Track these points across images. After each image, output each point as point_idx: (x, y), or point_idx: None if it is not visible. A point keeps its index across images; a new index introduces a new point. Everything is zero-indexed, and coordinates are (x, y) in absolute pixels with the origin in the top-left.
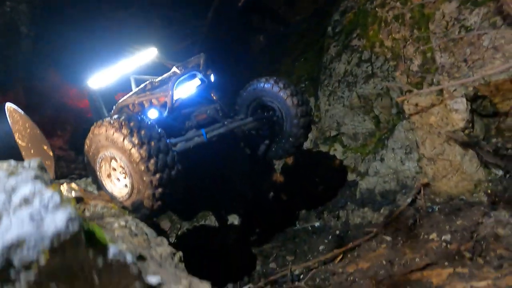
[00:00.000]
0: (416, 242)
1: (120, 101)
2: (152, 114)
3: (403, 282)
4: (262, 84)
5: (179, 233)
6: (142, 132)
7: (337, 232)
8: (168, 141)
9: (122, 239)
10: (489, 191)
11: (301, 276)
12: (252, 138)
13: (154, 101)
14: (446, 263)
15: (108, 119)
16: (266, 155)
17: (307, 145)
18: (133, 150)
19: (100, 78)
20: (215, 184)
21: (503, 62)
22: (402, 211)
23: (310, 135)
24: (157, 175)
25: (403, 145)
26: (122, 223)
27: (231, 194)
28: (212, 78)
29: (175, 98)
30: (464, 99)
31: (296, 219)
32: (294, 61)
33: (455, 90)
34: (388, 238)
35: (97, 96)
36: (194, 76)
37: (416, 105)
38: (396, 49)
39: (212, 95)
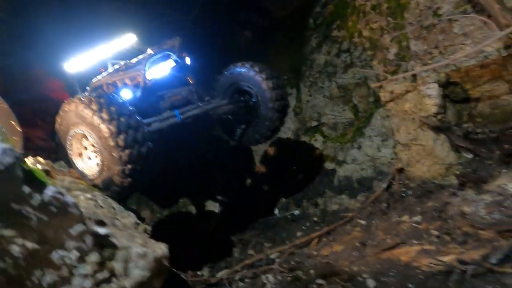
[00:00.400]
0: (388, 224)
1: (93, 81)
2: (125, 94)
3: (374, 261)
4: (238, 69)
5: (158, 220)
6: (112, 108)
7: (315, 219)
8: (139, 119)
9: (86, 210)
10: (458, 173)
11: (276, 260)
12: (228, 122)
13: (127, 80)
14: (414, 242)
15: (78, 96)
16: (242, 139)
17: (288, 135)
18: (103, 126)
19: (77, 62)
20: (193, 170)
21: (472, 48)
22: (378, 196)
23: (291, 126)
24: (127, 151)
25: (380, 132)
26: (89, 196)
27: (211, 181)
28: (188, 61)
29: (148, 77)
30: (436, 85)
31: (276, 208)
32: (278, 54)
33: (427, 76)
34: (363, 222)
35: (74, 79)
36: (168, 57)
37: (392, 92)
38: (373, 38)
39: (188, 78)
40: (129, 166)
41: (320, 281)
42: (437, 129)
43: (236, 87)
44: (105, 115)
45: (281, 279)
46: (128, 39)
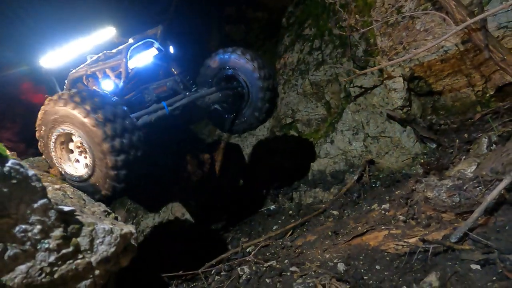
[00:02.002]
0: (359, 213)
1: (71, 73)
2: (107, 85)
3: (345, 248)
4: (228, 55)
5: (134, 221)
6: (107, 109)
7: (290, 212)
8: (133, 119)
9: (54, 199)
10: (423, 162)
11: (252, 252)
12: (217, 111)
13: (107, 71)
14: (383, 227)
15: (66, 92)
16: (230, 129)
17: (264, 133)
18: (96, 128)
19: (54, 57)
20: (168, 165)
21: (432, 42)
22: (349, 187)
23: (266, 124)
24: (122, 156)
25: (351, 126)
26: (57, 187)
27: (183, 177)
28: (172, 49)
29: (130, 66)
30: (401, 79)
31: (253, 204)
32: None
33: (393, 71)
34: (335, 212)
35: (51, 75)
36: (151, 45)
37: (361, 87)
38: (343, 36)
39: (172, 68)
40: (124, 172)
41: (293, 268)
42: (403, 122)
43: (224, 73)
44: (100, 117)
45: (256, 270)
46: (107, 33)
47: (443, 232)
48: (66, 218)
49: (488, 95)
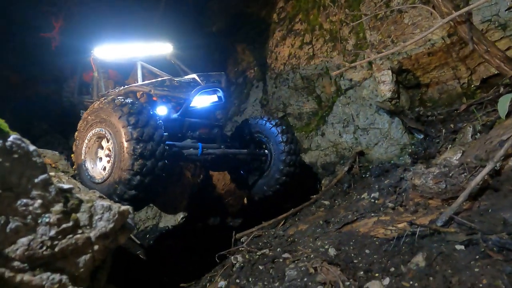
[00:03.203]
0: (350, 203)
1: (130, 86)
2: (161, 110)
3: (336, 235)
4: (257, 120)
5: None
6: (141, 116)
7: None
8: (164, 134)
9: None
10: (411, 151)
11: (245, 242)
12: (239, 170)
13: (171, 99)
14: (372, 214)
15: (120, 99)
16: (252, 190)
17: None
18: (125, 129)
19: (107, 50)
20: None
21: (419, 35)
22: (340, 178)
23: None
24: (140, 160)
25: (341, 119)
26: (52, 174)
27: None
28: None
29: (191, 105)
30: (390, 71)
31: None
32: (244, 49)
33: (382, 64)
34: (326, 202)
35: (99, 66)
36: (214, 92)
37: (351, 80)
38: (333, 31)
39: (220, 116)
40: (138, 178)
41: (286, 255)
42: (392, 113)
43: (254, 137)
44: (132, 119)
45: (249, 258)
46: (162, 47)
47: (430, 217)
48: (66, 195)
49: (473, 86)
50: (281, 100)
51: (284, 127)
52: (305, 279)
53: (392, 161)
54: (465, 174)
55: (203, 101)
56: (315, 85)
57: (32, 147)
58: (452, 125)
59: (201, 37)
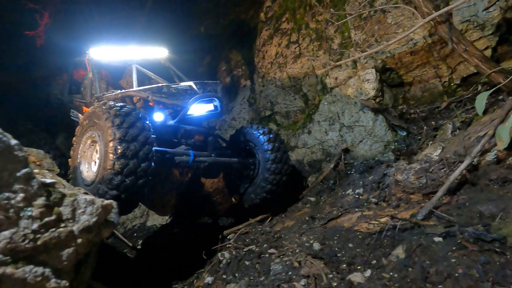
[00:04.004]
0: (335, 199)
1: (127, 90)
2: (158, 117)
3: (321, 230)
4: (248, 129)
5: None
6: (127, 117)
7: None
8: (151, 137)
9: None
10: (394, 148)
11: (232, 239)
12: (231, 177)
13: (168, 106)
14: (356, 210)
15: (110, 103)
16: (242, 197)
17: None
18: (110, 129)
19: (103, 51)
20: None
21: (401, 35)
22: (326, 175)
23: (246, 116)
24: (122, 160)
25: (327, 117)
26: (36, 171)
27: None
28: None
29: (188, 113)
30: (373, 70)
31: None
32: (232, 48)
33: (366, 62)
34: (312, 199)
35: (94, 67)
36: (211, 101)
37: (336, 78)
38: (319, 30)
39: (215, 125)
40: (119, 178)
41: (272, 250)
42: (376, 111)
43: (245, 146)
44: (117, 120)
45: (236, 254)
46: (158, 51)
47: (411, 211)
48: (48, 189)
49: (453, 85)
50: (268, 98)
51: (271, 136)
52: (290, 272)
53: (376, 158)
54: (444, 169)
55: (199, 109)
56: (301, 83)
57: (13, 141)
58: (433, 122)
59: (189, 38)
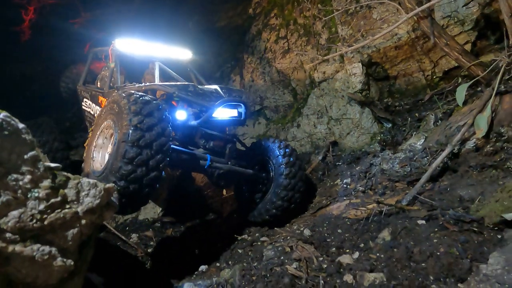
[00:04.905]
0: (324, 189)
1: (152, 84)
2: (180, 115)
3: (311, 219)
4: (264, 142)
5: None
6: (147, 105)
7: None
8: (168, 129)
9: None
10: (380, 139)
11: (226, 230)
12: (243, 188)
13: (192, 106)
14: (344, 198)
15: (130, 91)
16: (252, 212)
17: None
18: (126, 116)
19: (129, 44)
20: None
21: (385, 29)
22: (315, 167)
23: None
24: (134, 149)
25: (315, 111)
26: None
27: None
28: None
29: (212, 116)
30: (360, 64)
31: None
32: (222, 44)
33: (353, 57)
34: None
35: (117, 58)
36: (236, 107)
37: (324, 73)
38: (307, 25)
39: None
40: (130, 167)
41: (264, 238)
42: (363, 104)
43: (260, 159)
44: (133, 107)
45: (228, 242)
46: (182, 52)
47: (396, 198)
48: (53, 172)
49: (436, 78)
50: (258, 93)
51: (287, 150)
52: (282, 257)
53: (363, 149)
54: (427, 157)
55: (224, 113)
56: (290, 78)
57: (21, 125)
58: (417, 114)
59: (178, 34)
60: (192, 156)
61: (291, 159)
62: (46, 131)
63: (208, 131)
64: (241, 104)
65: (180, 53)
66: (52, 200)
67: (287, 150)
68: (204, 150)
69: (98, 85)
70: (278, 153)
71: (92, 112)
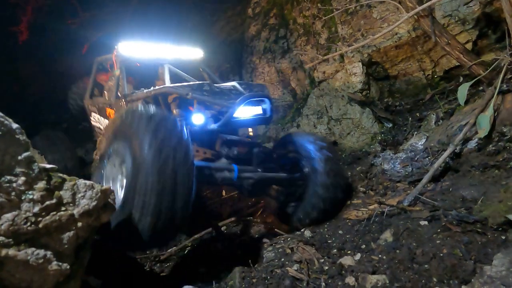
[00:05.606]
0: None
1: (162, 86)
2: (198, 119)
3: None
4: (294, 137)
5: None
6: (165, 127)
7: None
8: (191, 146)
9: None
10: (380, 139)
11: (225, 230)
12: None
13: (209, 107)
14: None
15: (144, 106)
16: (292, 219)
17: None
18: (140, 138)
19: (133, 47)
20: None
21: (386, 29)
22: None
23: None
24: (157, 178)
25: (315, 111)
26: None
27: None
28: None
29: (234, 116)
30: (360, 64)
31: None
32: (221, 43)
33: (353, 56)
34: None
35: (122, 64)
36: (259, 103)
37: (324, 72)
38: (307, 25)
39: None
40: (154, 200)
41: (264, 239)
42: (363, 104)
43: (293, 158)
44: (148, 127)
45: (228, 245)
46: (192, 52)
47: (398, 198)
48: (48, 173)
49: (437, 77)
50: None
51: (323, 144)
52: (282, 259)
53: (363, 149)
54: (429, 157)
55: (246, 112)
56: (290, 78)
57: (15, 125)
58: (417, 114)
59: (178, 33)
60: (216, 169)
61: (328, 153)
62: (61, 148)
63: (229, 137)
64: (265, 100)
65: (190, 52)
66: (47, 202)
67: (321, 143)
68: (227, 160)
69: (106, 97)
70: (312, 148)
71: (102, 127)
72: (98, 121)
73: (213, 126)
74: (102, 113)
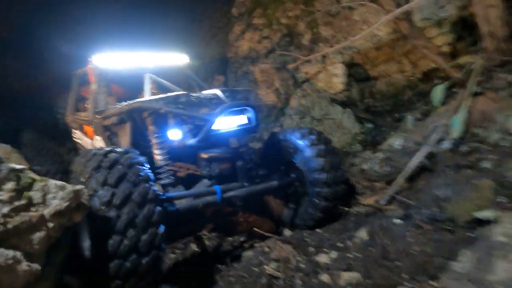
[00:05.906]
0: None
1: (134, 101)
2: (174, 135)
3: None
4: (281, 135)
5: None
6: (115, 169)
7: None
8: (153, 187)
9: None
10: (360, 139)
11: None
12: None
13: (186, 120)
14: None
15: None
16: (293, 222)
17: None
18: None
19: (109, 58)
20: None
21: (365, 31)
22: None
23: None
24: (113, 237)
25: (298, 111)
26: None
27: None
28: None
29: (213, 128)
30: (341, 65)
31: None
32: (207, 44)
33: (334, 57)
34: None
35: (99, 77)
36: (243, 112)
37: (307, 73)
38: (290, 25)
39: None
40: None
41: (243, 238)
42: (344, 104)
43: (286, 158)
44: (96, 174)
45: (209, 244)
46: (175, 58)
47: (375, 198)
48: (18, 174)
49: (415, 79)
50: None
51: (313, 137)
52: (260, 257)
53: (344, 149)
54: (405, 157)
55: (228, 123)
56: (273, 78)
57: None
58: (397, 114)
59: (163, 33)
60: (195, 196)
61: (322, 146)
62: (48, 159)
63: (208, 154)
64: (249, 108)
65: (175, 58)
66: (16, 203)
67: (313, 136)
68: (209, 181)
69: (87, 113)
70: (303, 144)
71: (84, 144)
72: (79, 137)
73: (191, 141)
74: (82, 130)
